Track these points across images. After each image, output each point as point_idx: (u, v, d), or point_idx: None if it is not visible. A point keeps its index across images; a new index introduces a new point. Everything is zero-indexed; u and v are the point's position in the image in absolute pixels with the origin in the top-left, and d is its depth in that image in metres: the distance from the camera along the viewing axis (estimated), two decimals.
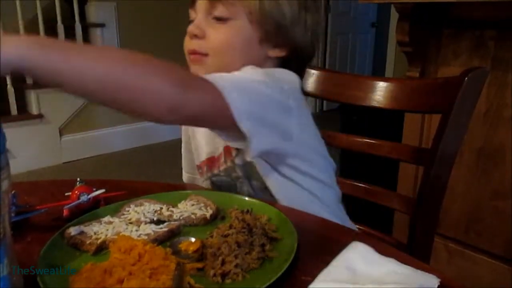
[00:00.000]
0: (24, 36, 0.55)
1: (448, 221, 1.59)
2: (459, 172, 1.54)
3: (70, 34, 3.23)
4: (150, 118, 0.57)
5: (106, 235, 0.58)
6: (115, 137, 3.56)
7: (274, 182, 0.77)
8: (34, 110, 3.15)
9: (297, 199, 0.77)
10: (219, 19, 0.75)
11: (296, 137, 0.72)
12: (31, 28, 3.11)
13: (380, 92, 0.92)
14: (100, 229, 0.59)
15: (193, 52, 0.77)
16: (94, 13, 3.47)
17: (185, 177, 0.99)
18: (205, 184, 0.89)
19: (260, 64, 0.76)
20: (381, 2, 1.69)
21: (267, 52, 0.78)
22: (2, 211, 0.44)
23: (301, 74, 0.81)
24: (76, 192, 0.68)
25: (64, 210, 0.65)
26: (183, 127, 0.95)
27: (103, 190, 0.69)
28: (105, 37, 3.48)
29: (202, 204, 0.66)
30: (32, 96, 3.13)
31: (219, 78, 0.62)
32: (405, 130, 1.67)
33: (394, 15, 2.74)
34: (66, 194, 0.69)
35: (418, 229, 0.89)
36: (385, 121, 1.73)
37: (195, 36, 0.76)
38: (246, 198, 0.68)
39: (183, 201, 0.68)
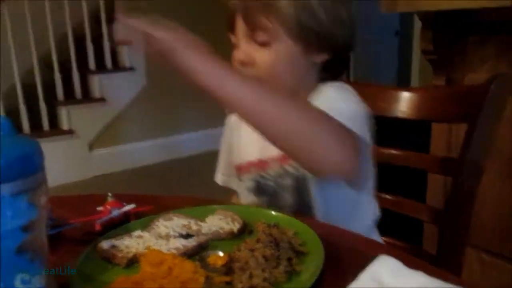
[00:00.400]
0: (213, 54, 0.61)
1: (481, 231, 1.55)
2: (490, 181, 1.50)
3: (98, 50, 3.33)
4: (309, 170, 0.69)
5: (137, 249, 0.59)
6: (144, 151, 3.62)
7: (322, 199, 0.79)
8: (65, 126, 3.25)
9: (337, 216, 0.78)
10: (262, 44, 0.75)
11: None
12: (60, 46, 3.22)
13: (403, 103, 0.92)
14: (131, 243, 0.61)
15: None
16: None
17: (219, 178, 0.99)
18: (245, 185, 0.89)
19: (307, 71, 0.79)
20: (403, 11, 1.67)
21: (312, 60, 0.79)
22: (41, 226, 0.46)
23: (344, 67, 0.87)
24: (108, 206, 0.70)
25: (96, 225, 0.68)
26: (228, 126, 0.96)
27: (133, 205, 0.71)
28: (131, 54, 3.57)
29: (229, 219, 0.66)
30: (63, 112, 3.24)
31: (357, 131, 0.68)
32: (433, 140, 1.64)
33: (417, 23, 2.71)
34: (98, 208, 0.71)
35: (447, 240, 0.87)
36: (413, 131, 1.71)
37: (244, 64, 0.77)
38: (273, 212, 0.69)
39: (210, 216, 0.69)
